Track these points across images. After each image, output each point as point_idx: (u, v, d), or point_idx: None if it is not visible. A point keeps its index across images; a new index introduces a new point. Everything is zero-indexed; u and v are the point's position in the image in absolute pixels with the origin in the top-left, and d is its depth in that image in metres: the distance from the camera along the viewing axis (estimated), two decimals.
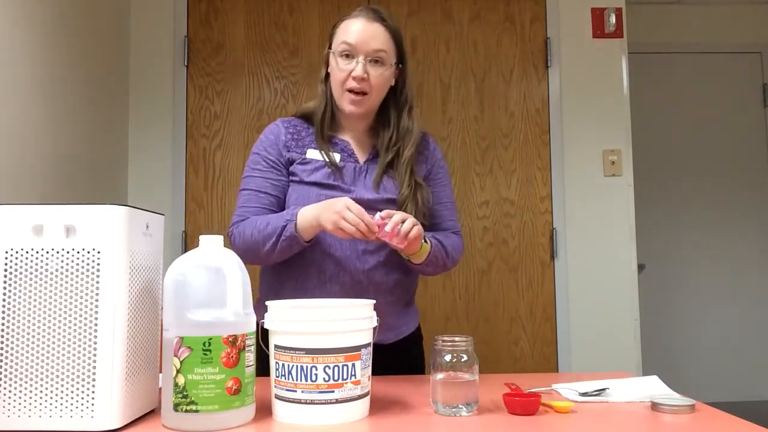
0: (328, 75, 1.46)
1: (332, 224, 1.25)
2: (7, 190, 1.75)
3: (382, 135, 1.47)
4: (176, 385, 0.92)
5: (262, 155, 1.45)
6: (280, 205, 1.43)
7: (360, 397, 0.98)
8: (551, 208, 2.79)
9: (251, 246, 1.36)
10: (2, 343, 0.91)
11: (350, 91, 1.39)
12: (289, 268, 1.40)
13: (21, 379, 0.91)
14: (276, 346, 0.98)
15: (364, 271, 1.38)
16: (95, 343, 0.91)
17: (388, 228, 1.24)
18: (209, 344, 0.92)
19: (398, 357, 1.45)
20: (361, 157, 1.47)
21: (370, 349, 1.02)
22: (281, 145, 1.44)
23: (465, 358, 1.01)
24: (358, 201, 1.37)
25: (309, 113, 1.49)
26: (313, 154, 1.43)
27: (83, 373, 0.90)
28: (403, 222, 1.26)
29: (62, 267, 0.92)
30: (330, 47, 1.45)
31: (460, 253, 1.52)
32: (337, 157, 1.43)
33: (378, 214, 1.26)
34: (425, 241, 1.37)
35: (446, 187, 1.54)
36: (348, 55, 1.39)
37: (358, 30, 1.39)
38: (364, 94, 1.40)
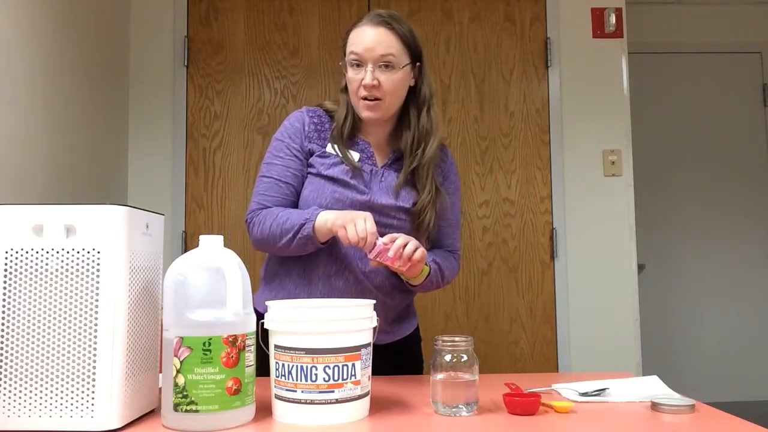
0: (347, 85, 1.46)
1: (342, 221, 1.26)
2: (7, 190, 1.76)
3: (405, 136, 1.45)
4: (176, 385, 0.92)
5: (285, 143, 1.44)
6: (299, 196, 1.43)
7: (360, 397, 0.98)
8: (551, 208, 2.79)
9: (268, 237, 1.37)
10: (2, 343, 0.91)
11: (364, 99, 1.39)
12: (297, 258, 1.40)
13: (21, 379, 0.91)
14: (276, 346, 0.98)
15: (364, 273, 1.38)
16: (95, 343, 0.91)
17: (390, 254, 1.25)
18: (209, 344, 0.92)
19: (397, 358, 1.45)
20: (380, 161, 1.46)
21: (370, 349, 1.02)
22: (304, 135, 1.44)
23: (465, 358, 1.01)
24: (373, 204, 1.38)
25: (332, 112, 1.48)
26: (332, 148, 1.43)
27: (83, 373, 0.90)
28: (405, 246, 1.26)
29: (62, 267, 0.92)
30: (345, 57, 1.44)
31: (454, 275, 1.52)
32: (355, 156, 1.43)
33: (380, 240, 1.26)
34: (425, 265, 1.37)
35: (454, 205, 1.52)
36: (358, 65, 1.38)
37: (363, 38, 1.38)
38: (378, 99, 1.39)
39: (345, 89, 1.46)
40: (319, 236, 1.32)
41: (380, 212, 1.38)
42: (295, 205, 1.43)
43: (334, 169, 1.40)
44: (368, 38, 1.37)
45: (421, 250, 1.28)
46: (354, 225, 1.25)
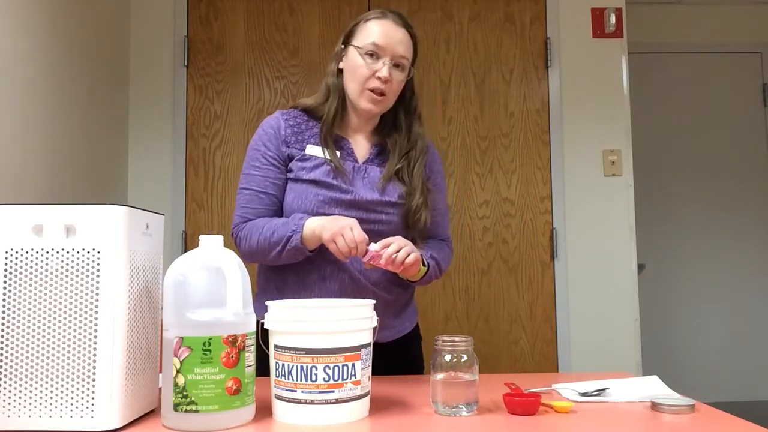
0: (340, 71, 1.45)
1: (330, 234, 1.27)
2: (7, 190, 1.76)
3: (396, 139, 1.46)
4: (176, 385, 0.92)
5: (261, 151, 1.43)
6: (281, 203, 1.43)
7: (360, 397, 0.98)
8: (551, 208, 2.79)
9: (257, 251, 1.37)
10: (2, 343, 0.91)
11: (372, 90, 1.39)
12: (291, 265, 1.40)
13: (21, 379, 0.91)
14: (276, 346, 0.98)
15: (360, 271, 1.38)
16: (95, 343, 0.91)
17: (382, 261, 1.26)
18: (209, 344, 0.92)
19: (396, 356, 1.45)
20: (360, 157, 1.45)
21: (370, 349, 1.02)
22: (281, 141, 1.42)
23: (465, 358, 1.01)
24: (358, 202, 1.37)
25: (310, 108, 1.47)
26: (312, 150, 1.42)
27: (83, 373, 0.90)
28: (398, 251, 1.27)
29: (62, 267, 0.92)
30: (345, 44, 1.44)
31: (449, 264, 1.55)
32: (336, 154, 1.42)
33: (373, 246, 1.27)
34: (423, 264, 1.38)
35: (441, 194, 1.54)
36: (372, 55, 1.39)
37: (386, 32, 1.39)
38: (382, 95, 1.39)
39: (338, 74, 1.45)
40: (308, 245, 1.32)
41: (366, 209, 1.38)
42: (278, 213, 1.42)
43: (315, 171, 1.39)
44: (391, 35, 1.39)
45: (414, 255, 1.29)
46: (342, 236, 1.25)
